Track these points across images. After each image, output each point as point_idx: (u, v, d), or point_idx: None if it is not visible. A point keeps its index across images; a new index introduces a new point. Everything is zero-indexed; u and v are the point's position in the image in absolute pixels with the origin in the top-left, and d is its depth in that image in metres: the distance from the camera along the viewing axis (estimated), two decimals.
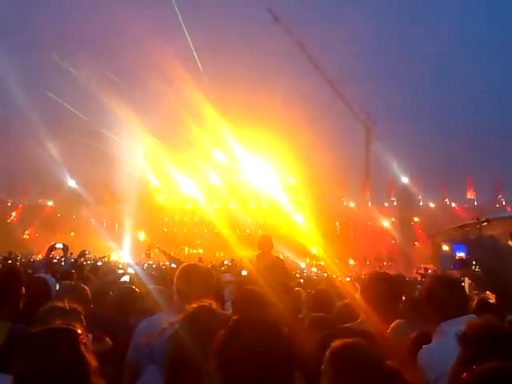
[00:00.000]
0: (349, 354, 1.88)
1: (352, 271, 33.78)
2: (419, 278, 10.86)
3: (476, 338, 1.80)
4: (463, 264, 3.19)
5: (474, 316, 2.62)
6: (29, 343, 1.90)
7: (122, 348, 3.29)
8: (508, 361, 1.38)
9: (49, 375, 1.81)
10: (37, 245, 35.00)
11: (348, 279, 13.61)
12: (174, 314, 2.91)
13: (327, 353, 1.92)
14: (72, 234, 44.68)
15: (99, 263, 10.77)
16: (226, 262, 15.60)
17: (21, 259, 15.60)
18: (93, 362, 1.93)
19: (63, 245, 6.83)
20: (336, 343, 1.92)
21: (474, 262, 2.76)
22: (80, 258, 7.87)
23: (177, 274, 3.46)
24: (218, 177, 57.16)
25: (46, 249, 6.90)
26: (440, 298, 2.83)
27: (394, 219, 51.46)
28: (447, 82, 60.12)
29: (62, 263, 7.40)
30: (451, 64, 61.40)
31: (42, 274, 4.92)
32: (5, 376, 1.91)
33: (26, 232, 49.92)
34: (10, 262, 11.59)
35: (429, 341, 2.74)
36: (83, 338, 1.96)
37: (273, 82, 56.55)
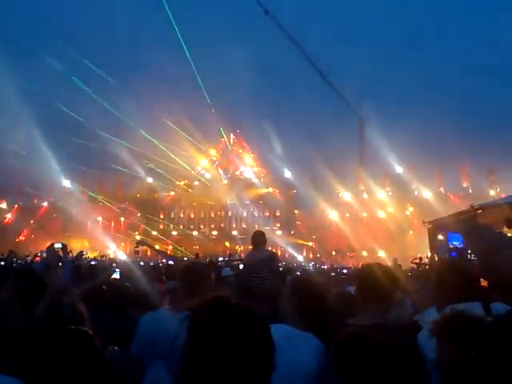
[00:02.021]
0: (352, 343, 1.84)
1: (349, 263, 33.88)
2: (415, 267, 10.91)
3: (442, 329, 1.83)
4: (459, 253, 3.20)
5: (477, 303, 2.62)
6: (46, 346, 1.88)
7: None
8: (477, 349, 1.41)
9: (69, 378, 1.79)
10: (32, 246, 34.87)
11: (345, 271, 13.64)
12: (177, 310, 2.91)
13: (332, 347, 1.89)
14: (67, 234, 44.63)
15: (93, 262, 10.67)
16: (220, 259, 15.53)
17: (17, 260, 15.47)
18: (109, 363, 1.93)
19: (62, 244, 6.76)
20: (338, 336, 1.89)
21: (469, 251, 2.77)
22: (77, 259, 7.82)
23: (181, 270, 3.46)
24: (214, 172, 57.18)
25: (46, 250, 6.86)
26: (448, 283, 2.84)
27: (389, 209, 51.62)
28: (440, 71, 60.19)
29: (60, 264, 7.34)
30: (444, 52, 61.51)
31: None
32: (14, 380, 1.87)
33: (22, 233, 49.81)
34: (2, 263, 11.44)
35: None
36: (97, 340, 1.95)
37: (266, 75, 56.55)
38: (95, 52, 51.43)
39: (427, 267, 10.40)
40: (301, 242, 50.32)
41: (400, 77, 58.47)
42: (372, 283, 2.95)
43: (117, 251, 30.22)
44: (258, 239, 6.45)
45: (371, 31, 63.75)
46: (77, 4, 59.91)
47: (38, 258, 15.33)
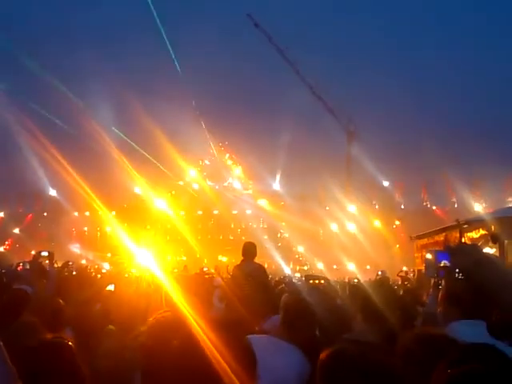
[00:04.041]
0: (336, 360, 1.84)
1: (336, 276, 33.84)
2: (400, 281, 10.94)
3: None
4: (447, 271, 3.22)
5: (481, 322, 2.61)
6: (26, 357, 1.90)
7: None
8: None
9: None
10: (17, 255, 34.45)
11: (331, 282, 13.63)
12: None
13: (319, 362, 1.88)
14: (53, 244, 44.13)
15: (74, 273, 10.51)
16: (205, 269, 15.45)
17: (1, 270, 15.30)
18: (85, 372, 1.96)
19: (48, 252, 6.72)
20: (324, 353, 1.88)
21: (457, 270, 2.78)
22: (63, 268, 7.73)
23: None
24: (202, 183, 57.10)
25: (32, 258, 6.82)
26: (459, 298, 2.84)
27: (376, 223, 51.81)
28: (426, 86, 60.88)
29: None
30: (430, 69, 62.25)
31: (23, 286, 4.84)
32: None
33: (6, 242, 49.18)
34: None
35: None
36: (75, 350, 1.98)
37: (255, 88, 56.80)
38: (91, 65, 51.37)
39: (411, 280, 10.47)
40: (287, 253, 50.26)
41: (388, 92, 59.04)
42: (372, 303, 2.97)
43: (101, 262, 29.94)
44: (249, 251, 6.38)
45: (360, 45, 64.42)
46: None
47: (20, 268, 15.14)
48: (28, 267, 7.43)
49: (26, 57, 44.40)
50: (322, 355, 1.88)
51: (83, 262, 33.36)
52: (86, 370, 1.99)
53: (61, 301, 4.62)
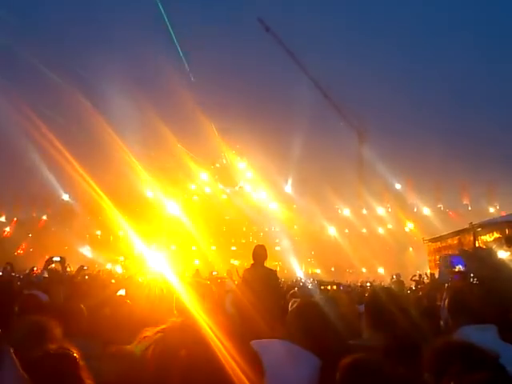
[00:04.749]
0: (358, 370, 1.82)
1: (348, 279, 33.74)
2: (414, 285, 10.86)
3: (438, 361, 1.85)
4: (461, 276, 3.19)
5: (492, 326, 2.58)
6: (30, 369, 1.89)
7: None
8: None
9: None
10: (31, 259, 34.71)
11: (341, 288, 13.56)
12: None
13: (338, 371, 1.87)
14: (66, 247, 44.38)
15: (86, 277, 10.55)
16: (214, 273, 15.48)
17: (15, 274, 15.36)
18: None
19: (60, 257, 6.76)
20: (345, 360, 1.87)
21: (471, 275, 2.76)
22: (78, 273, 7.73)
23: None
24: (214, 187, 57.12)
25: (44, 263, 6.87)
26: (467, 303, 2.81)
27: (389, 226, 51.51)
28: (439, 88, 60.51)
29: None
30: (442, 69, 61.84)
31: (35, 291, 4.86)
32: None
33: (20, 246, 49.60)
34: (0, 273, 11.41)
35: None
36: (81, 362, 1.97)
37: (265, 90, 56.81)
38: (103, 70, 51.74)
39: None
40: (300, 257, 50.11)
41: (400, 93, 58.77)
42: (379, 310, 2.94)
43: (114, 265, 30.13)
44: (259, 254, 6.30)
45: (371, 48, 64.22)
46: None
47: (33, 272, 15.22)
48: (46, 275, 7.49)
49: (40, 60, 44.93)
50: (342, 364, 1.87)
51: (96, 266, 33.66)
52: (91, 382, 1.97)
53: (82, 306, 4.59)
